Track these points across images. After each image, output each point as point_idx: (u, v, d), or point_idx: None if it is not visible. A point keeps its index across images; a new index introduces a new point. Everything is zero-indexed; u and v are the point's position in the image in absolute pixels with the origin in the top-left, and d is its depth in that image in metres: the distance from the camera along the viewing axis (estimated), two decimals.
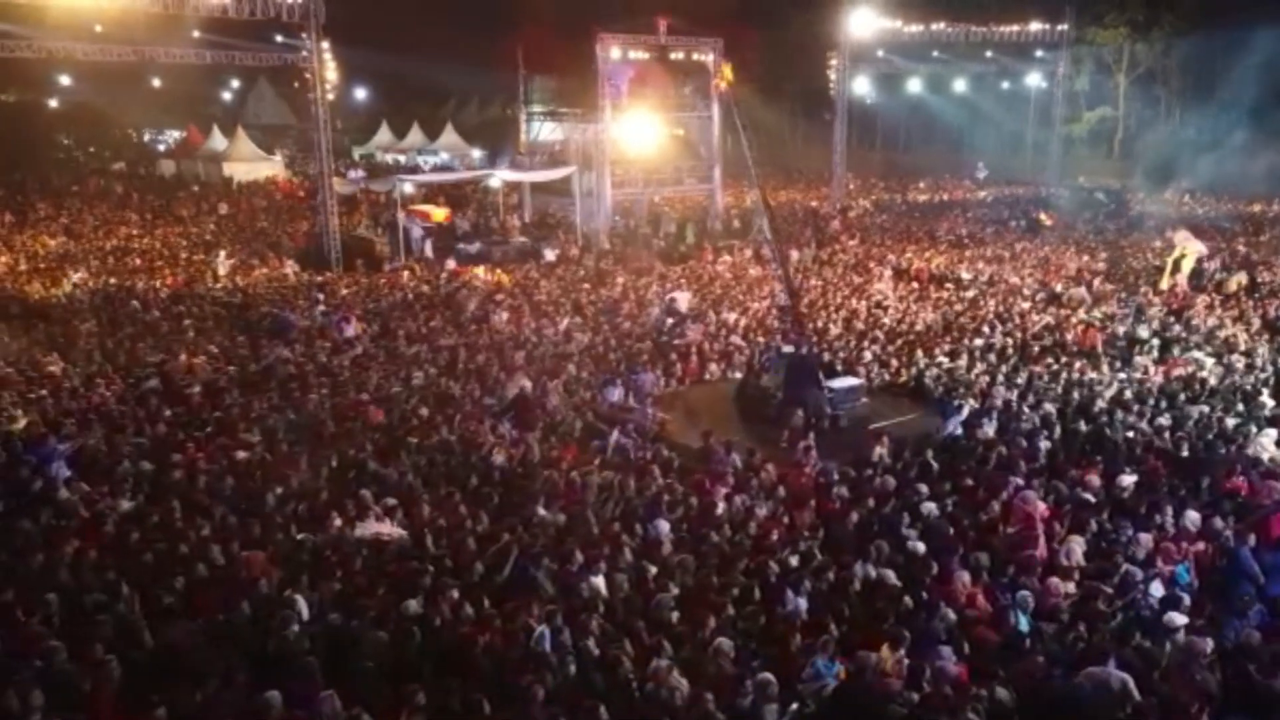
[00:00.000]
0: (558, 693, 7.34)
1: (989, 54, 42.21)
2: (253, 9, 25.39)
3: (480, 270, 25.82)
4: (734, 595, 8.84)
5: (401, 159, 67.95)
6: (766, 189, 39.39)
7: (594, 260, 26.74)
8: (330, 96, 27.93)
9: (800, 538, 10.09)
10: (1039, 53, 42.52)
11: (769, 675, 7.35)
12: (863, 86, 40.61)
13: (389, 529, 10.10)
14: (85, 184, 51.38)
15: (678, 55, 31.75)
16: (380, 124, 75.07)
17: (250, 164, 58.78)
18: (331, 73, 27.85)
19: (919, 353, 16.86)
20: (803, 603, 8.66)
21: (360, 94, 79.87)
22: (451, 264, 26.69)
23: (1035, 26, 39.56)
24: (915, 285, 23.99)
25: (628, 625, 8.52)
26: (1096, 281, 23.34)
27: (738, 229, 32.14)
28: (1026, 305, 20.83)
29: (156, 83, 78.81)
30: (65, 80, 74.48)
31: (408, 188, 30.25)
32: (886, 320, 19.65)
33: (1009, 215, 35.57)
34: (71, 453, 11.53)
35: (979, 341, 17.46)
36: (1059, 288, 22.89)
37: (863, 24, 36.63)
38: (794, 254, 27.78)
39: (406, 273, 25.47)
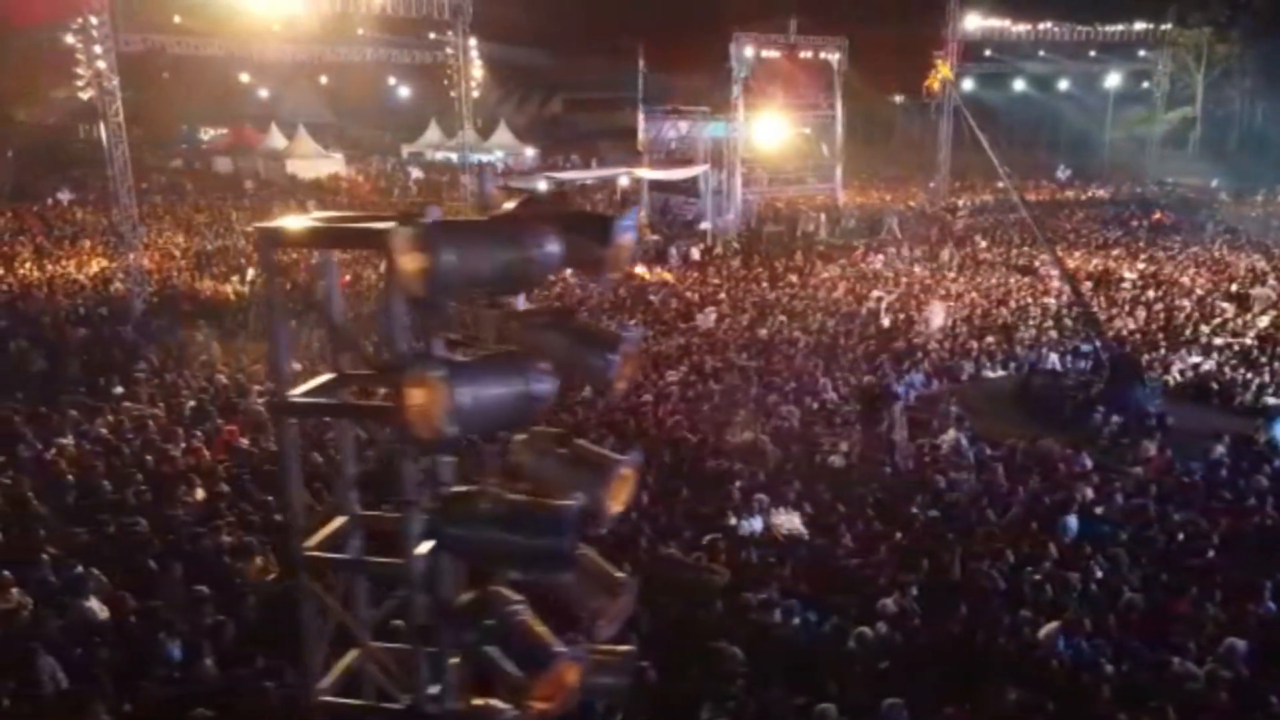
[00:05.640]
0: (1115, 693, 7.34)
1: (1092, 54, 42.23)
2: (408, 7, 25.36)
3: (640, 269, 25.76)
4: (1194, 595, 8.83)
5: (453, 158, 67.38)
6: (896, 192, 39.20)
7: (754, 259, 26.69)
8: (475, 94, 27.91)
9: (1203, 537, 10.07)
10: (1141, 52, 42.56)
11: None
12: (968, 85, 40.53)
13: (794, 521, 10.09)
14: (150, 181, 51.17)
15: (806, 54, 31.74)
16: (429, 122, 74.39)
17: (311, 161, 58.59)
18: (476, 70, 27.85)
19: (1163, 351, 16.89)
20: (1273, 605, 8.66)
21: (404, 91, 79.20)
22: None
23: (1139, 26, 39.59)
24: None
25: (1100, 624, 8.52)
26: (1271, 279, 23.32)
27: (854, 228, 32.12)
28: (1228, 306, 20.78)
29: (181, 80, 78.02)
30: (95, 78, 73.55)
31: (542, 185, 30.19)
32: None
33: (1128, 214, 35.54)
34: None
35: (1218, 341, 17.46)
36: (1234, 287, 22.92)
37: (973, 23, 36.60)
38: (944, 254, 27.79)
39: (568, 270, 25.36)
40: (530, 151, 65.28)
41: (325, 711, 2.91)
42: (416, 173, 61.21)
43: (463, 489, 2.54)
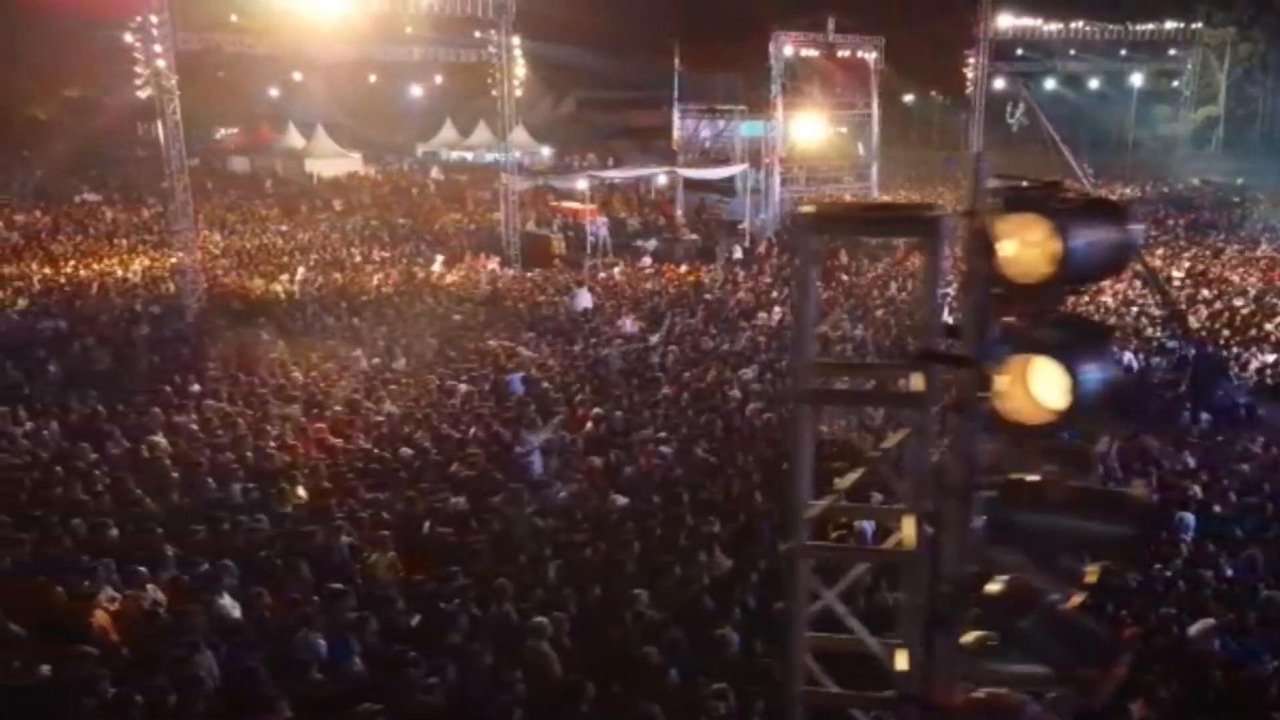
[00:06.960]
0: None
1: (1123, 52, 42.30)
2: (453, 6, 25.26)
3: (682, 268, 25.79)
4: None
5: (469, 157, 67.09)
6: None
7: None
8: (518, 93, 27.88)
9: None
10: (1171, 51, 42.63)
11: None
12: (999, 85, 40.52)
13: None
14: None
15: (844, 53, 31.75)
16: (444, 121, 73.92)
17: (331, 160, 58.35)
18: (520, 69, 27.79)
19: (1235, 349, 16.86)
20: None
21: (416, 90, 78.81)
22: (648, 260, 26.66)
23: (1169, 25, 39.62)
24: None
25: (1241, 621, 8.50)
26: None
27: None
28: None
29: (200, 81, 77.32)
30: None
31: (581, 184, 30.19)
32: (1155, 314, 19.63)
33: (1163, 213, 35.48)
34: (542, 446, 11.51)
35: None
36: None
37: (1005, 22, 36.59)
38: None
39: (616, 269, 25.41)
40: (546, 150, 65.03)
41: (813, 702, 2.89)
42: (435, 172, 61.20)
43: (1023, 476, 2.53)
